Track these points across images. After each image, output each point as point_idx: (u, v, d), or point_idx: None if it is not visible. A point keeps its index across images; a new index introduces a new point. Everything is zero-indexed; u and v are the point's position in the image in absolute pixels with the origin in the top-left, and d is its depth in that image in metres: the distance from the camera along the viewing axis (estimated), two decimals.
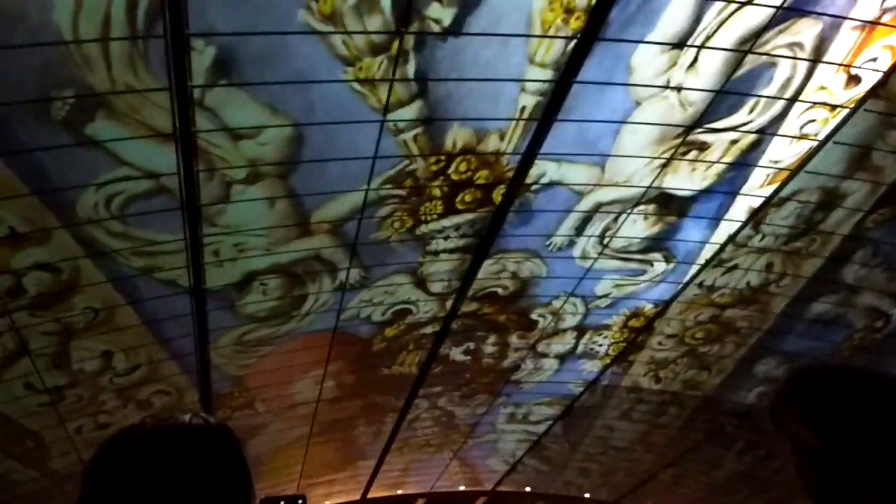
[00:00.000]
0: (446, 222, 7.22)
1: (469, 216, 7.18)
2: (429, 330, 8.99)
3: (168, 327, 7.33)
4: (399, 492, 14.79)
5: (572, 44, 5.45)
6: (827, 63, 5.70)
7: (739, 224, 7.36)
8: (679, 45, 5.52)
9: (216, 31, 4.80)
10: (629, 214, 7.34)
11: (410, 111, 5.82)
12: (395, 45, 5.24)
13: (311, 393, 9.74)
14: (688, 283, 8.29)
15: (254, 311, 7.54)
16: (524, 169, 6.64)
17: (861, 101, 5.97)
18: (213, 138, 5.52)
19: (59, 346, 6.99)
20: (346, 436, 11.52)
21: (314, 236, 6.85)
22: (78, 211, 5.69)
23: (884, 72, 5.70)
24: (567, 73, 5.71)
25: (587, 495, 14.24)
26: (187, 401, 8.72)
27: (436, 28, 5.18)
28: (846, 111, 6.09)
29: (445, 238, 7.45)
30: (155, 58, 4.87)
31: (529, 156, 6.49)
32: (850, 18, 5.33)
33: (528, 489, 14.39)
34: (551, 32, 5.39)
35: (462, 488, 14.54)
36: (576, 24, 5.35)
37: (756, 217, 7.23)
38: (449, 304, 8.57)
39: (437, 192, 6.80)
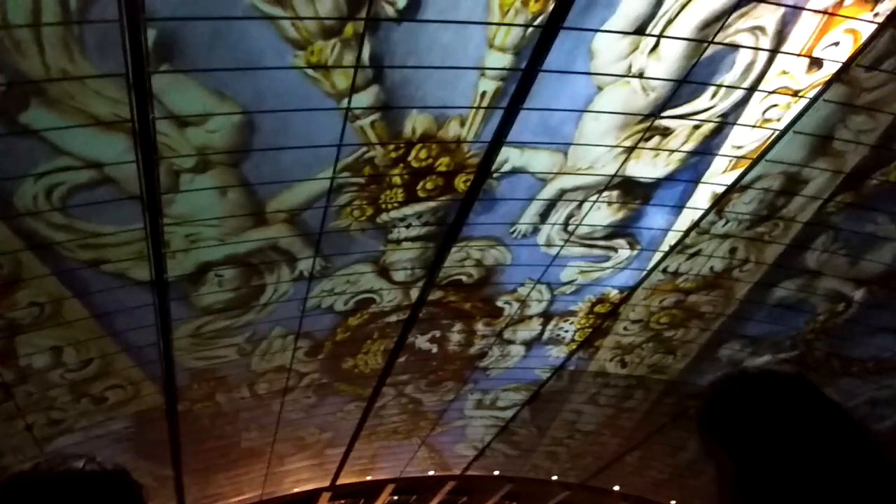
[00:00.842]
0: (408, 210, 7.06)
1: (431, 204, 7.03)
2: (393, 318, 8.85)
3: (120, 320, 7.09)
4: (368, 478, 14.73)
5: (531, 28, 5.31)
6: (787, 53, 5.63)
7: (703, 210, 7.31)
8: (640, 31, 5.41)
9: (169, 16, 4.56)
10: (594, 203, 7.25)
11: (366, 97, 5.62)
12: (348, 28, 5.05)
13: (276, 385, 9.57)
14: (652, 269, 8.25)
15: (210, 302, 7.33)
16: (490, 156, 6.50)
17: (823, 89, 5.92)
18: (158, 126, 5.28)
19: (5, 342, 6.72)
20: (314, 424, 11.38)
21: (270, 226, 6.65)
22: (16, 203, 5.41)
23: (843, 62, 5.65)
24: (533, 61, 5.58)
25: (554, 478, 14.32)
26: (144, 394, 8.50)
27: (390, 11, 4.99)
28: (808, 99, 6.04)
29: (408, 226, 7.30)
30: (91, 43, 4.62)
31: (496, 144, 6.35)
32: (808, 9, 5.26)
33: (496, 473, 14.42)
34: (510, 16, 5.23)
35: (431, 473, 14.52)
36: (535, 7, 5.19)
37: (719, 203, 7.19)
38: (413, 292, 8.44)
39: (397, 179, 6.63)
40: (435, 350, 9.74)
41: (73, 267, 6.25)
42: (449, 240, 7.57)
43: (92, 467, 1.34)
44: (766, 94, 6.02)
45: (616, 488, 14.48)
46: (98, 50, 4.65)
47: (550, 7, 5.17)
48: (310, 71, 5.26)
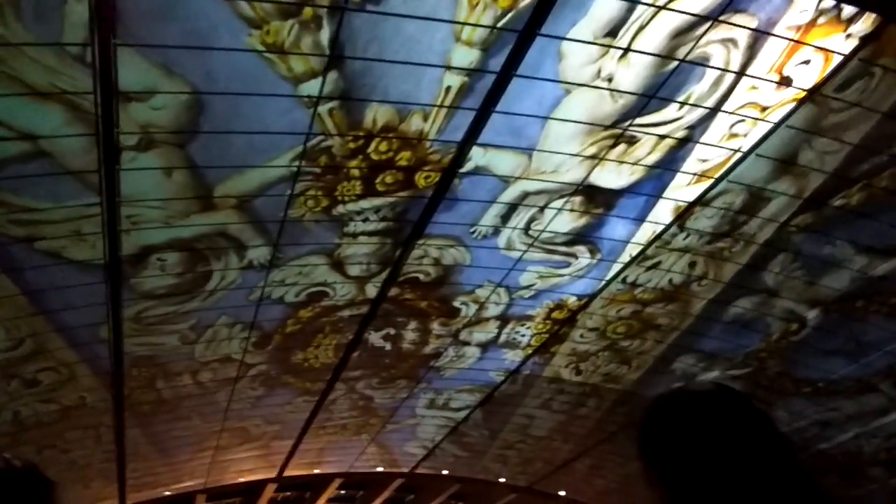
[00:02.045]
0: (365, 204, 6.82)
1: (390, 199, 6.80)
2: (346, 313, 8.61)
3: (51, 300, 6.73)
4: (316, 471, 14.49)
5: (502, 22, 5.12)
6: (755, 74, 5.54)
7: (664, 222, 7.21)
8: (612, 35, 5.26)
9: None
10: (559, 210, 7.10)
11: (325, 83, 5.36)
12: (307, 9, 4.79)
13: (221, 374, 9.27)
14: (612, 279, 8.14)
15: (152, 287, 7.00)
16: (460, 157, 6.30)
17: (792, 108, 5.85)
18: (98, 99, 4.95)
19: None
20: (260, 416, 11.08)
21: (218, 211, 6.35)
22: None
23: (813, 81, 5.58)
24: (507, 64, 5.40)
25: (502, 480, 14.24)
26: (79, 376, 8.13)
27: None
28: (775, 115, 5.96)
29: (364, 220, 7.06)
30: (28, 8, 4.30)
31: (465, 144, 6.16)
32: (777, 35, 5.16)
33: (445, 472, 14.28)
34: (478, 9, 5.04)
35: (380, 470, 14.34)
36: (505, 2, 5.00)
37: (681, 216, 7.09)
38: (368, 287, 8.20)
39: (355, 171, 6.39)
40: (388, 347, 9.53)
41: (3, 242, 5.89)
42: (412, 236, 7.34)
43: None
44: (736, 105, 5.92)
45: (562, 493, 14.45)
46: (35, 16, 4.33)
47: (522, 3, 4.98)
48: (265, 51, 5.00)
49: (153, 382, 8.84)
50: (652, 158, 6.42)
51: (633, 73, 5.59)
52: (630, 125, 6.05)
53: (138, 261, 6.57)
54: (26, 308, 6.71)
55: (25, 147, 5.10)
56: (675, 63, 5.47)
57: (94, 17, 4.39)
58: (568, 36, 5.28)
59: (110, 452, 10.46)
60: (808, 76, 5.60)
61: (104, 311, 7.25)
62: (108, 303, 7.05)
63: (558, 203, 7.04)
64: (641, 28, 5.22)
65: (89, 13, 4.35)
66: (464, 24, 5.07)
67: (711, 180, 6.60)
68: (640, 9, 5.03)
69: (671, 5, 5.00)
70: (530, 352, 9.79)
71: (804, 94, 5.74)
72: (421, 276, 8.15)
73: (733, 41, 5.30)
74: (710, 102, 5.88)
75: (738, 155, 6.34)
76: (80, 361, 7.82)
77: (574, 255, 7.83)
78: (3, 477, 1.28)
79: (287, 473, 14.26)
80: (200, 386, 9.55)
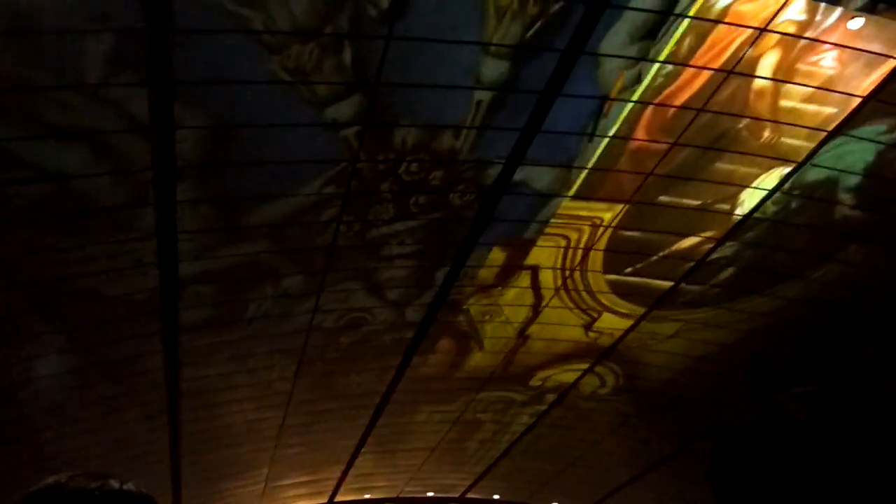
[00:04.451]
0: (399, 226, 6.59)
1: (425, 220, 6.55)
2: (387, 338, 8.38)
3: (95, 335, 6.68)
4: (367, 496, 14.29)
5: (532, 30, 4.84)
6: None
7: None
8: (651, 35, 4.92)
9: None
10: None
11: (350, 106, 5.17)
12: (328, 31, 4.60)
13: (265, 403, 9.15)
14: (660, 300, 7.69)
15: (188, 319, 6.89)
16: (507, 178, 6.03)
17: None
18: (123, 137, 4.85)
19: None
20: (306, 443, 10.94)
21: (250, 241, 6.21)
22: None
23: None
24: (551, 85, 5.16)
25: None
26: (124, 408, 8.07)
27: (373, 13, 4.54)
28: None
29: (400, 243, 6.83)
30: (49, 48, 4.21)
31: (511, 165, 5.91)
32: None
33: (496, 497, 13.92)
34: (506, 19, 4.78)
35: (430, 494, 14.05)
36: (533, 9, 4.72)
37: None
38: (408, 311, 7.96)
39: (387, 194, 6.17)
40: (432, 371, 9.25)
41: (41, 283, 5.86)
42: (460, 257, 7.06)
43: (128, 487, 1.32)
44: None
45: None
46: (50, 55, 4.25)
47: (553, 9, 4.69)
48: (287, 76, 4.83)
49: (196, 413, 8.76)
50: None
51: None
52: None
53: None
54: (71, 343, 6.68)
55: (51, 187, 5.03)
56: None
57: (150, 57, 4.33)
58: (604, 39, 4.97)
59: (159, 483, 10.44)
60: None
61: (146, 344, 7.19)
62: (162, 332, 6.98)
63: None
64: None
65: (147, 52, 4.28)
66: (498, 45, 4.83)
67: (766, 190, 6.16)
68: (682, 4, 4.68)
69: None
70: (581, 372, 9.37)
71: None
72: (461, 298, 7.86)
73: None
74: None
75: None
76: (125, 394, 7.77)
77: None
78: (128, 499, 1.30)
79: (338, 499, 14.11)
80: (245, 415, 9.44)
